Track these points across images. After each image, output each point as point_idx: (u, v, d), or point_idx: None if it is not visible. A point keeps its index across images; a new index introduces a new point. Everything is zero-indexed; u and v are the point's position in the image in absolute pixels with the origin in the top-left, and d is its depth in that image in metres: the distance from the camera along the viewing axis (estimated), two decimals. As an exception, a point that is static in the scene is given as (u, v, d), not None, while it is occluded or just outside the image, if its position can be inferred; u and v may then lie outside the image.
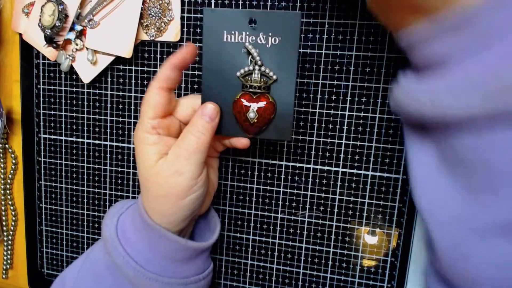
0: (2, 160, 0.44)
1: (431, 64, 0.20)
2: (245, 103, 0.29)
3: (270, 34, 0.28)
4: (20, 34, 0.40)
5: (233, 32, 0.29)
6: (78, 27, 0.37)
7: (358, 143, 0.35)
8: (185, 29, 0.37)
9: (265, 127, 0.30)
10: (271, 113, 0.29)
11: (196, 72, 0.37)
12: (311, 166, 0.36)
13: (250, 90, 0.29)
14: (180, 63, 0.29)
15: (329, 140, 0.35)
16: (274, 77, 0.29)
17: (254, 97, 0.29)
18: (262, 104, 0.29)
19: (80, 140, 0.41)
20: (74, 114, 0.41)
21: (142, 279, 0.29)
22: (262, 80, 0.29)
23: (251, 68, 0.29)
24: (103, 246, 0.31)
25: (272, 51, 0.29)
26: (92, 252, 0.32)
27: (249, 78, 0.29)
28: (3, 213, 0.46)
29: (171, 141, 0.30)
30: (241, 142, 0.31)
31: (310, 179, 0.36)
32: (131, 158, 0.40)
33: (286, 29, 0.28)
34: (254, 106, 0.29)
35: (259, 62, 0.29)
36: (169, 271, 0.30)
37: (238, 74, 0.29)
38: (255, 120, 0.29)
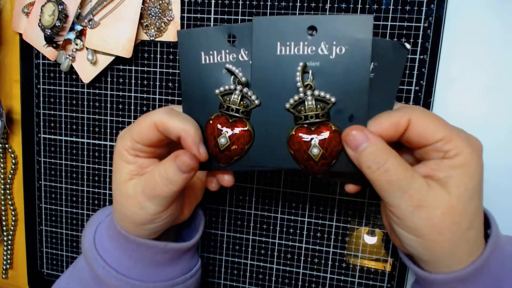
0: (2, 160, 0.44)
1: None
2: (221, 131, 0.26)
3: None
4: (20, 34, 0.40)
5: (211, 53, 0.26)
6: (78, 27, 0.37)
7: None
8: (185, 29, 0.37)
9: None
10: (246, 142, 0.26)
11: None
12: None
13: (228, 113, 0.26)
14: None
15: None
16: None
17: (231, 121, 0.26)
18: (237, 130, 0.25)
19: (80, 140, 0.41)
20: (74, 114, 0.41)
21: (126, 287, 0.28)
22: (242, 103, 0.26)
23: (232, 87, 0.26)
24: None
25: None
26: (79, 262, 0.32)
27: (228, 98, 0.26)
28: (3, 213, 0.46)
29: (147, 163, 0.27)
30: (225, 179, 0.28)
31: (310, 179, 0.36)
32: (131, 158, 0.40)
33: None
34: (228, 132, 0.26)
35: (243, 79, 0.25)
36: (153, 276, 0.29)
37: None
38: (232, 147, 0.25)
